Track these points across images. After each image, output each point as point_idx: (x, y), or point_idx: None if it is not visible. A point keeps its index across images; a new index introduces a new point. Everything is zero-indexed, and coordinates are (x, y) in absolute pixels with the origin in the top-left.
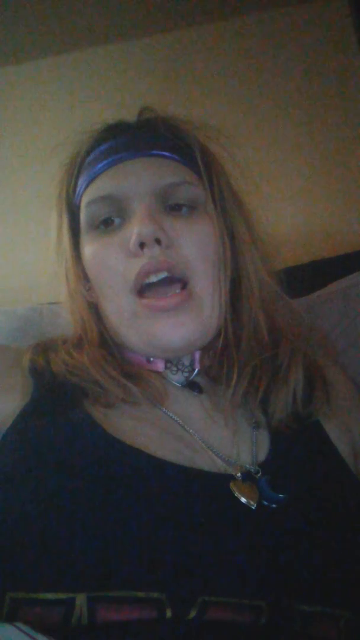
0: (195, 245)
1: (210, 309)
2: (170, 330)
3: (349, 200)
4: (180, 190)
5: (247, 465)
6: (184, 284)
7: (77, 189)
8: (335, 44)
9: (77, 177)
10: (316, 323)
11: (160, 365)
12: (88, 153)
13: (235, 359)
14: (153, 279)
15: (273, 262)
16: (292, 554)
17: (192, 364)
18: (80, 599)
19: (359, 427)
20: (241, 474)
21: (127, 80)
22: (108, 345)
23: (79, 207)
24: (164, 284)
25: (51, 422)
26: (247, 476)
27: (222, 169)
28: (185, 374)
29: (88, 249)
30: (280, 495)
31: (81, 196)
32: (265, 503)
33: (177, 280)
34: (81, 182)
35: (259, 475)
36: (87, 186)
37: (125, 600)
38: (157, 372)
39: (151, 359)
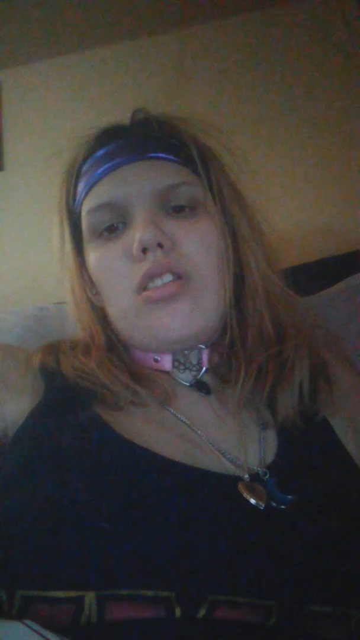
0: (198, 245)
1: (210, 302)
2: (169, 320)
3: (357, 197)
4: (179, 191)
5: (255, 467)
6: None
7: (77, 197)
8: (339, 41)
9: (76, 185)
10: (324, 321)
11: (167, 365)
12: (85, 160)
13: (241, 356)
14: (158, 282)
15: (277, 258)
16: (302, 554)
17: (199, 363)
18: (90, 597)
19: None
20: (249, 475)
21: (129, 81)
22: (115, 349)
23: (79, 215)
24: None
25: (61, 421)
26: (255, 477)
27: (221, 165)
28: (193, 373)
29: (92, 256)
30: (289, 497)
31: (81, 204)
32: (274, 504)
33: (178, 279)
34: (80, 189)
35: (266, 477)
36: (86, 193)
37: (134, 598)
38: (165, 373)
39: (158, 359)
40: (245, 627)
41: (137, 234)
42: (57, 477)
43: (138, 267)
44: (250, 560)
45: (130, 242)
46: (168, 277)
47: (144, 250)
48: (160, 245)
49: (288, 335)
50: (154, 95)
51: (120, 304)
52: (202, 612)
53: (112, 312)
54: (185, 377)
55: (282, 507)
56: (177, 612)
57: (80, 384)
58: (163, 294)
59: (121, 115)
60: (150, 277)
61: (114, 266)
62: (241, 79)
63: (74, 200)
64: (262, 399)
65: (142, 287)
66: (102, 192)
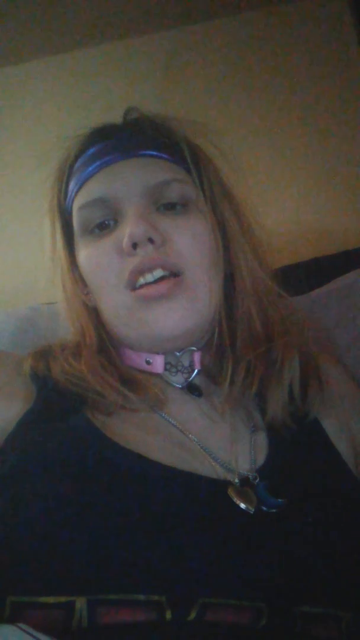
0: (189, 241)
1: (203, 300)
2: (163, 318)
3: (350, 197)
4: (170, 188)
5: (245, 472)
6: (176, 275)
7: (68, 195)
8: (335, 41)
9: (67, 183)
10: (315, 321)
11: (159, 367)
12: (76, 158)
13: (230, 354)
14: (149, 278)
15: (267, 257)
16: (293, 556)
17: (191, 365)
18: (80, 602)
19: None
20: (239, 480)
21: (121, 80)
22: (107, 351)
23: (71, 212)
24: (158, 282)
25: (52, 427)
26: (245, 482)
27: (212, 164)
28: (185, 375)
29: (83, 253)
30: (279, 500)
31: (72, 201)
32: (265, 508)
33: (172, 277)
34: (71, 187)
35: (257, 481)
36: (77, 191)
37: (125, 603)
38: (157, 375)
39: (150, 361)
40: (236, 629)
41: (128, 229)
42: (48, 483)
43: (128, 261)
44: (240, 563)
45: (121, 238)
46: (159, 273)
47: (135, 246)
48: (151, 241)
49: (277, 334)
50: (146, 95)
51: (112, 299)
52: (193, 615)
53: (104, 308)
54: (177, 380)
55: (273, 510)
56: (168, 615)
57: (71, 388)
58: (158, 292)
59: (113, 115)
60: (140, 271)
61: (104, 261)
62: (233, 79)
63: (66, 198)
64: (251, 398)
65: (133, 282)
66: (94, 189)
